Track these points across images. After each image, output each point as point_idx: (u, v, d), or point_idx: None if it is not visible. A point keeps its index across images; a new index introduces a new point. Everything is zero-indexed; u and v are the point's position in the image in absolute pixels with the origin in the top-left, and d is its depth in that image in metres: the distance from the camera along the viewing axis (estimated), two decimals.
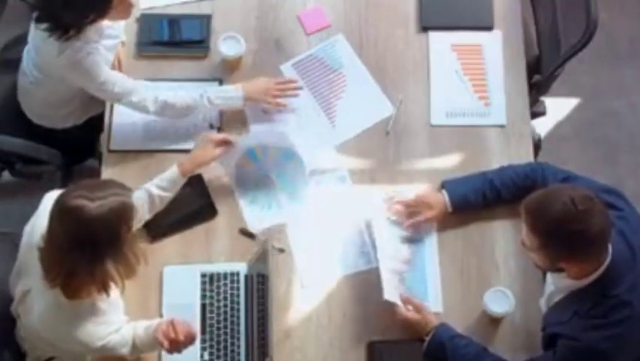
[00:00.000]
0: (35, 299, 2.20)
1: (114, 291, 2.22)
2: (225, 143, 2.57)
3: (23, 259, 2.27)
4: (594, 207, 2.08)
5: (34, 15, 2.50)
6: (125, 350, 2.30)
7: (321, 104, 2.81)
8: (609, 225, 2.12)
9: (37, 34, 2.56)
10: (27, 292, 2.23)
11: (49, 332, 2.20)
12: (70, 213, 2.02)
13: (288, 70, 2.85)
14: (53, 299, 2.14)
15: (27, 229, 2.27)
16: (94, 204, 2.01)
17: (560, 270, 2.20)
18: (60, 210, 2.05)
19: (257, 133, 2.67)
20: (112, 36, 2.67)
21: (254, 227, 2.61)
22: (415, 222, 2.59)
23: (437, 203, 2.58)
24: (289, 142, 2.65)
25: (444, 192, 2.59)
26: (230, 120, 2.76)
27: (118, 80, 2.60)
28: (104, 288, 2.12)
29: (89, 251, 2.04)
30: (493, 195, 2.56)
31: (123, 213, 2.06)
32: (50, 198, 2.21)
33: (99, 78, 2.56)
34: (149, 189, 2.48)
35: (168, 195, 2.51)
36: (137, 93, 2.62)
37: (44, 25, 2.45)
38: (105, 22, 2.56)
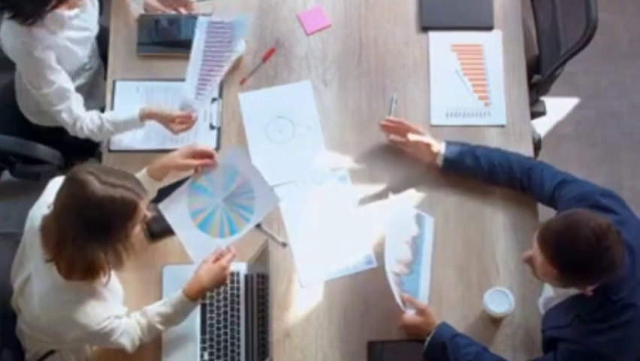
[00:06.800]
0: (35, 283, 2.20)
1: (114, 280, 2.23)
2: (208, 156, 2.51)
3: (26, 243, 2.25)
4: (614, 238, 2.06)
5: None
6: (124, 340, 2.29)
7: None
8: (624, 250, 2.09)
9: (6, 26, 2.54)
10: (27, 279, 2.23)
11: (48, 315, 2.18)
12: (74, 183, 2.04)
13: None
14: (52, 280, 2.14)
15: (30, 213, 2.26)
16: (100, 186, 2.01)
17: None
18: (68, 177, 2.07)
19: (236, 154, 2.57)
20: (80, 28, 2.64)
21: (196, 258, 2.45)
22: (394, 138, 2.65)
23: (431, 140, 2.61)
24: (260, 178, 2.52)
25: (443, 143, 2.61)
26: (231, 119, 2.77)
27: (60, 85, 2.56)
28: (89, 270, 2.11)
29: (78, 226, 2.04)
30: (487, 165, 2.57)
31: (123, 209, 2.05)
32: (56, 182, 2.22)
33: (46, 75, 2.53)
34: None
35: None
36: (67, 105, 2.59)
37: (8, 15, 2.42)
38: (69, 13, 2.53)
